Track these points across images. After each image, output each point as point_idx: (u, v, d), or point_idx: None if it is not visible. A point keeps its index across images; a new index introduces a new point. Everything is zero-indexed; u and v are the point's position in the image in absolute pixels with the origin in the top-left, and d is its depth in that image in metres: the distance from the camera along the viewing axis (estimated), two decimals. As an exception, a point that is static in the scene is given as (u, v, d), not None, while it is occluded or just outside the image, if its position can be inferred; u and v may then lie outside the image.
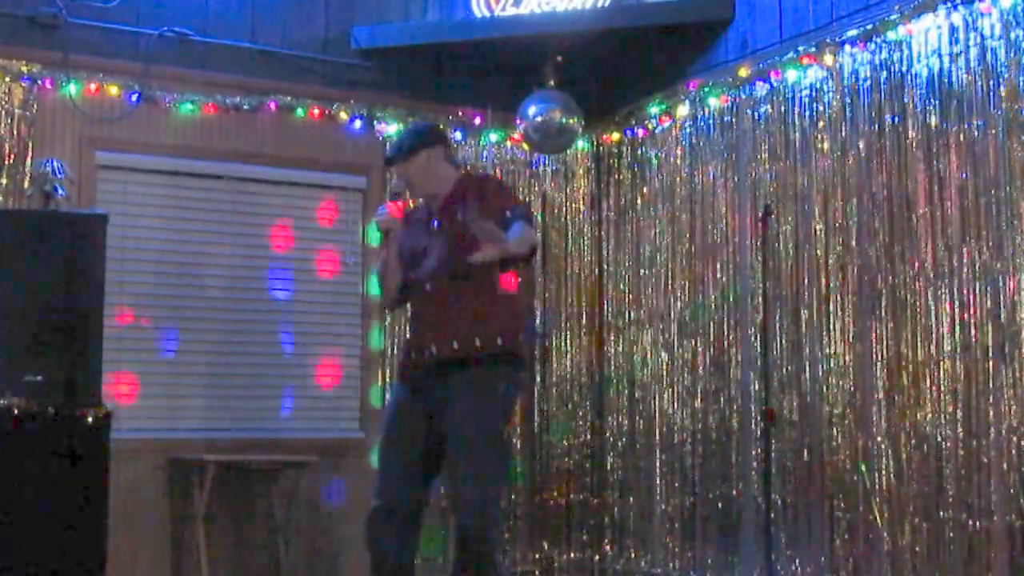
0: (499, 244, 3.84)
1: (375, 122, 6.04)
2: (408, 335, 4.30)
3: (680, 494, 5.80)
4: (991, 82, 4.45)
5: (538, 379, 6.36)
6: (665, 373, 5.95)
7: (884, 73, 4.87)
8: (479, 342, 4.05)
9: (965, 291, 4.50)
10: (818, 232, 5.13)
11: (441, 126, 4.85)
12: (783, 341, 5.25)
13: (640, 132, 6.22)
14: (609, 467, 6.26)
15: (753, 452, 5.36)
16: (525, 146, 6.17)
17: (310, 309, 5.98)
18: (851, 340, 4.96)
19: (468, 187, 4.21)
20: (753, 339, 5.42)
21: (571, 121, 5.91)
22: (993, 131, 4.43)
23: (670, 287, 5.96)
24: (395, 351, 5.90)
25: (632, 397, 6.17)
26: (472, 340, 4.04)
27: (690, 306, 5.82)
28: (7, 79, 5.30)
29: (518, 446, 6.25)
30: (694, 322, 5.79)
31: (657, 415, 5.98)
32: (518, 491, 6.22)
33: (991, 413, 4.38)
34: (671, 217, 5.98)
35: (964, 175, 4.53)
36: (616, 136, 6.38)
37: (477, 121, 6.25)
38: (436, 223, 4.17)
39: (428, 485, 4.22)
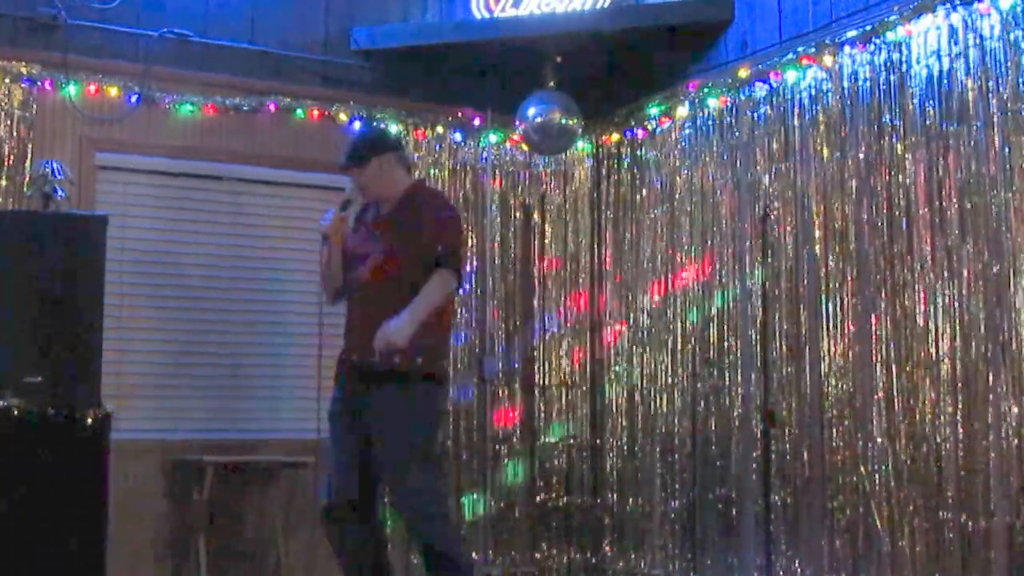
0: (399, 337, 3.98)
1: (375, 123, 6.04)
2: (344, 334, 4.38)
3: (680, 495, 5.80)
4: (991, 83, 4.45)
5: (537, 379, 6.37)
6: (665, 374, 5.95)
7: (884, 74, 4.87)
8: (397, 359, 4.10)
9: (965, 291, 4.50)
10: (818, 232, 5.13)
11: (394, 130, 4.93)
12: (783, 342, 5.25)
13: (640, 133, 6.22)
14: (608, 468, 6.26)
15: (753, 452, 5.36)
16: (525, 147, 6.17)
17: (310, 310, 5.97)
18: (851, 340, 4.96)
19: (414, 202, 4.27)
20: (753, 339, 5.42)
21: (571, 122, 5.92)
22: (993, 131, 4.43)
23: (670, 287, 5.96)
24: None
25: (631, 398, 6.17)
26: (391, 356, 4.09)
27: (695, 308, 5.82)
28: (7, 80, 5.30)
29: (518, 446, 6.26)
30: (696, 321, 5.79)
31: (656, 416, 5.98)
32: (518, 492, 6.22)
33: (991, 413, 4.38)
34: (671, 217, 5.98)
35: (964, 175, 4.53)
36: (616, 136, 6.39)
37: (477, 122, 6.25)
38: (379, 231, 4.27)
39: (376, 480, 4.25)
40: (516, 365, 6.30)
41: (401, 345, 3.99)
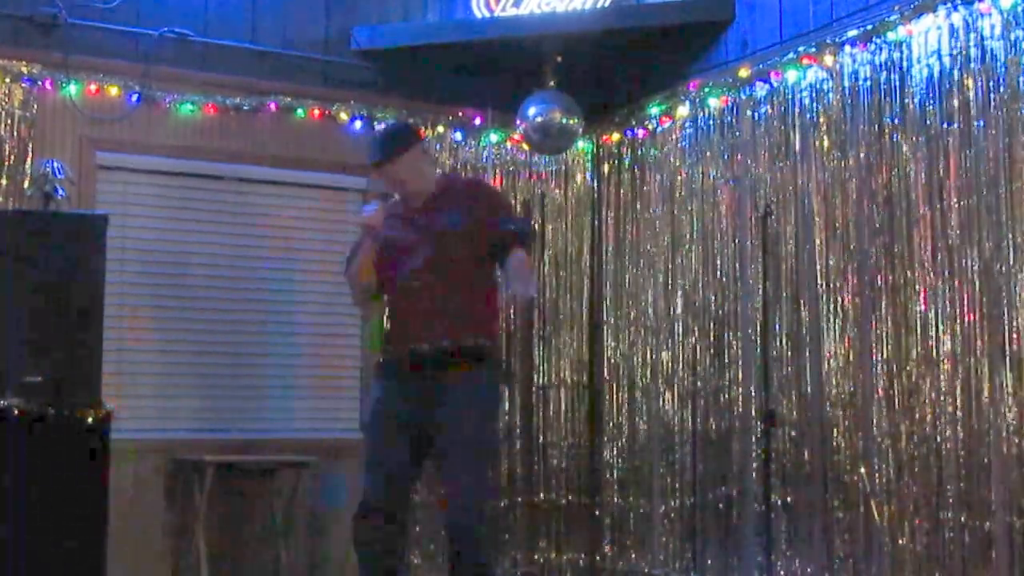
0: (527, 287, 3.94)
1: (375, 122, 6.04)
2: (390, 331, 4.23)
3: (680, 494, 5.80)
4: (991, 82, 4.45)
5: (537, 379, 6.37)
6: (665, 373, 5.95)
7: (884, 73, 4.87)
8: (471, 341, 4.08)
9: (965, 291, 4.50)
10: (818, 232, 5.13)
11: (415, 125, 4.90)
12: (783, 341, 5.25)
13: (640, 132, 6.22)
14: (609, 467, 6.26)
15: (753, 452, 5.36)
16: (525, 146, 6.17)
17: (310, 309, 5.99)
18: (851, 340, 4.96)
19: (458, 188, 4.26)
20: (753, 339, 5.42)
21: (571, 121, 5.92)
22: (993, 131, 4.43)
23: (670, 287, 5.96)
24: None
25: (631, 397, 6.17)
26: (463, 338, 4.07)
27: (695, 308, 5.82)
28: (7, 80, 5.30)
29: (517, 447, 6.26)
30: (696, 321, 5.79)
31: (657, 415, 5.98)
32: (518, 492, 6.22)
33: (991, 413, 4.38)
34: (671, 217, 5.98)
35: (964, 175, 4.53)
36: (616, 136, 6.38)
37: (477, 121, 6.25)
38: (422, 221, 4.18)
39: (414, 484, 4.25)
40: (516, 365, 6.30)
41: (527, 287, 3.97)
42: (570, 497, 6.34)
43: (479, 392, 4.11)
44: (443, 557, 5.75)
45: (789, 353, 5.23)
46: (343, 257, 4.43)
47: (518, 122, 5.97)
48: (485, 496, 4.14)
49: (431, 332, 4.08)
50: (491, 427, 4.18)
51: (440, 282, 4.11)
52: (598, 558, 6.25)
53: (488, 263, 4.18)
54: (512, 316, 6.31)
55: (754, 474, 5.34)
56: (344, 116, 6.00)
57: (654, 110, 6.08)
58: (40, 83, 5.38)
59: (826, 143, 5.13)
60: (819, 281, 5.11)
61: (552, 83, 6.00)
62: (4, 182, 5.24)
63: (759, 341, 5.26)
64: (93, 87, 5.49)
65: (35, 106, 5.36)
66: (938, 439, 4.56)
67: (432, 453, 4.17)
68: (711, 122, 5.76)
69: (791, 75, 5.29)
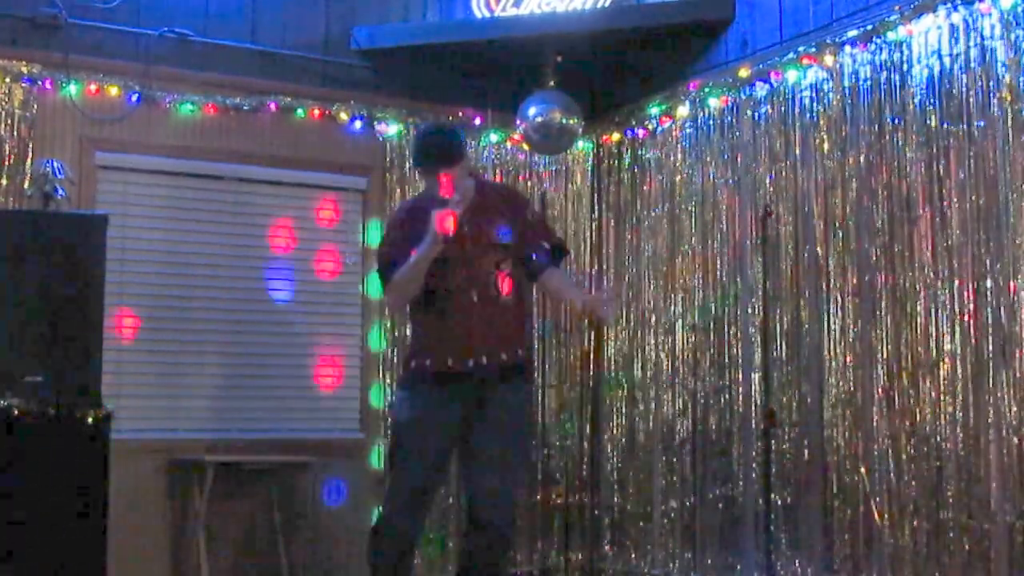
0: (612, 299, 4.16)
1: (375, 122, 6.04)
2: (433, 341, 4.09)
3: (680, 494, 5.79)
4: (991, 83, 4.45)
5: (538, 379, 6.36)
6: (665, 373, 5.95)
7: (884, 73, 4.87)
8: (521, 353, 4.13)
9: (965, 291, 4.50)
10: (818, 232, 5.13)
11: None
12: (783, 341, 5.25)
13: (640, 132, 6.21)
14: (609, 467, 6.26)
15: (753, 452, 5.36)
16: (525, 146, 6.17)
17: (310, 310, 5.99)
18: (851, 340, 4.96)
19: (497, 197, 4.25)
20: (753, 339, 5.42)
21: (571, 121, 5.92)
22: (993, 131, 4.43)
23: (670, 287, 5.96)
24: (395, 352, 5.90)
25: (632, 397, 6.17)
26: (515, 351, 4.11)
27: (696, 308, 5.81)
28: (7, 80, 5.30)
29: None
30: (696, 321, 5.79)
31: (657, 415, 5.98)
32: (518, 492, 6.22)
33: (991, 413, 4.38)
34: (671, 217, 5.98)
35: (964, 175, 4.53)
36: (616, 136, 6.38)
37: (477, 121, 6.25)
38: (469, 229, 4.05)
39: (439, 492, 4.28)
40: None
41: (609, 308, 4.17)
42: (570, 497, 6.34)
43: (524, 402, 4.19)
44: (445, 555, 5.77)
45: (789, 353, 5.22)
46: (383, 259, 4.19)
47: (518, 122, 5.97)
48: (515, 508, 4.22)
49: (489, 347, 4.04)
50: (528, 437, 4.26)
51: (491, 295, 4.06)
52: (598, 558, 6.25)
53: (523, 275, 4.19)
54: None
55: (754, 474, 5.34)
56: (344, 116, 6.00)
57: (654, 110, 6.07)
58: (40, 83, 5.37)
59: (826, 143, 5.13)
60: (819, 281, 5.11)
61: (552, 83, 6.00)
62: (4, 182, 5.23)
63: (759, 341, 5.26)
64: (93, 87, 5.49)
65: (35, 106, 5.36)
66: (938, 439, 4.56)
67: (468, 454, 4.12)
68: (711, 122, 5.76)
69: (791, 75, 5.29)
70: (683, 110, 5.90)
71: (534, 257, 4.16)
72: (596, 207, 6.49)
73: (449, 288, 4.05)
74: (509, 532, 4.15)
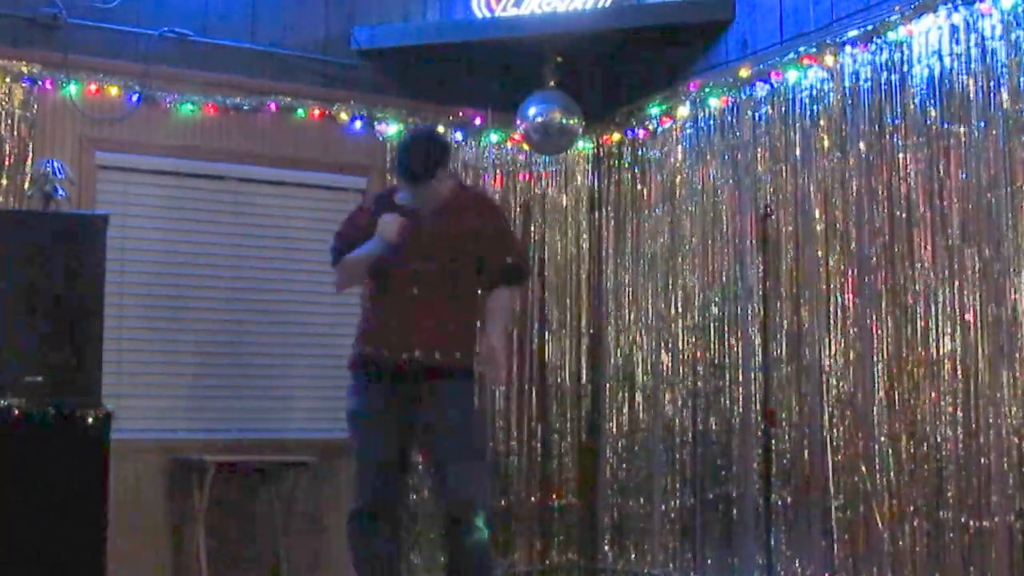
0: (499, 364, 4.17)
1: (375, 122, 6.04)
2: (375, 329, 4.25)
3: (680, 494, 5.79)
4: (991, 83, 4.45)
5: (537, 379, 6.36)
6: (665, 373, 5.95)
7: (884, 74, 4.87)
8: (459, 355, 4.18)
9: (965, 291, 4.50)
10: (818, 232, 5.13)
11: (402, 128, 4.93)
12: (783, 341, 5.25)
13: (640, 132, 6.21)
14: (609, 467, 6.26)
15: (753, 452, 5.36)
16: (525, 146, 6.17)
17: (310, 309, 5.98)
18: (851, 340, 4.96)
19: (469, 203, 4.33)
20: (753, 339, 5.42)
21: (571, 121, 5.92)
22: (993, 131, 4.43)
23: (670, 287, 5.96)
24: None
25: (632, 397, 6.17)
26: (453, 353, 4.17)
27: (696, 308, 5.82)
28: (7, 80, 5.30)
29: (517, 447, 6.25)
30: (698, 319, 5.79)
31: (657, 415, 5.97)
32: (518, 492, 6.22)
33: (991, 413, 4.38)
34: (671, 217, 5.98)
35: (964, 175, 4.53)
36: (616, 136, 6.38)
37: (477, 121, 6.25)
38: (431, 227, 4.22)
39: (405, 484, 4.29)
40: (516, 364, 6.30)
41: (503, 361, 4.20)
42: (570, 498, 6.34)
43: (463, 401, 4.21)
44: (446, 557, 5.77)
45: (789, 353, 5.22)
46: (329, 244, 4.47)
47: (518, 122, 5.97)
48: (483, 496, 4.19)
49: (421, 341, 4.14)
50: (480, 430, 4.25)
51: (438, 294, 4.17)
52: (598, 559, 6.25)
53: (482, 282, 4.29)
54: (511, 316, 6.31)
55: (754, 474, 5.34)
56: (344, 116, 6.00)
57: (654, 110, 6.07)
58: (40, 83, 5.37)
59: (826, 143, 5.13)
60: (819, 281, 5.11)
61: (552, 83, 6.00)
62: (4, 182, 5.23)
63: (759, 341, 5.26)
64: (93, 87, 5.49)
65: (35, 106, 5.36)
66: (938, 439, 4.56)
67: (424, 461, 4.22)
68: (711, 122, 5.76)
69: (791, 75, 5.29)
70: (683, 110, 5.90)
71: (488, 269, 4.26)
72: (596, 207, 6.49)
73: (397, 280, 4.20)
74: (475, 522, 4.11)
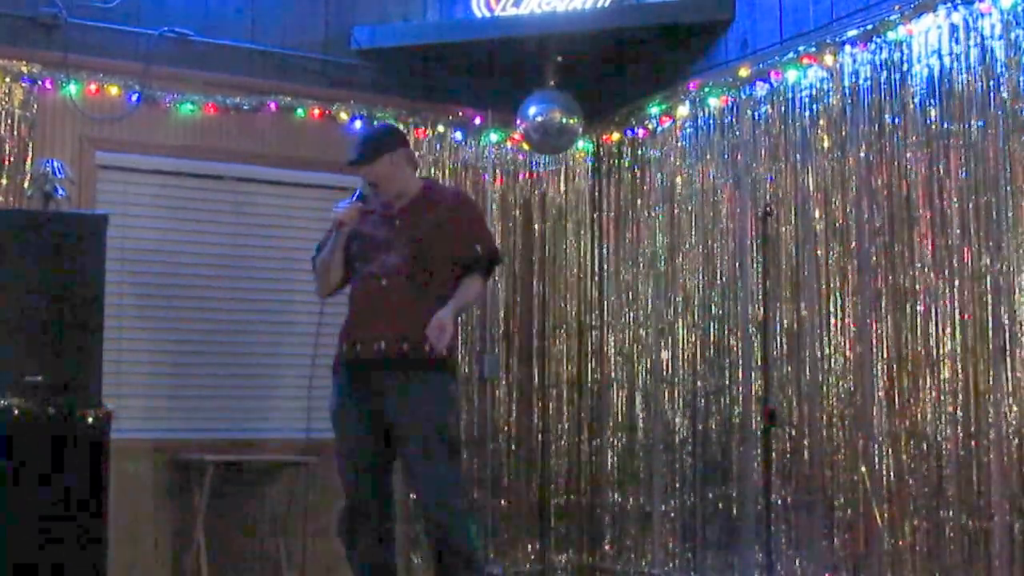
0: (444, 333, 4.09)
1: (375, 122, 6.03)
2: (349, 326, 4.33)
3: (680, 494, 5.80)
4: (991, 82, 4.45)
5: (537, 379, 6.37)
6: (665, 373, 5.95)
7: (884, 73, 4.87)
8: (427, 347, 4.15)
9: (965, 291, 4.50)
10: (818, 232, 5.13)
11: (401, 128, 4.98)
12: (783, 341, 5.25)
13: (640, 132, 6.21)
14: (609, 467, 6.26)
15: (753, 452, 5.36)
16: (525, 146, 6.17)
17: (310, 309, 5.96)
18: (851, 340, 4.96)
19: (439, 197, 4.39)
20: (753, 339, 5.42)
21: (571, 121, 5.92)
22: (993, 131, 4.43)
23: (670, 287, 5.96)
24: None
25: (631, 397, 6.17)
26: (421, 345, 4.15)
27: (696, 308, 5.82)
28: (7, 79, 5.30)
29: (517, 447, 6.26)
30: (695, 322, 5.79)
31: (656, 415, 5.98)
32: (518, 491, 6.22)
33: (991, 413, 4.38)
34: (671, 217, 5.98)
35: (964, 175, 4.53)
36: (616, 136, 6.38)
37: (477, 121, 6.25)
38: (400, 222, 4.27)
39: (388, 477, 4.29)
40: (516, 364, 6.30)
41: (447, 338, 4.10)
42: (570, 497, 6.34)
43: (432, 393, 4.20)
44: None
45: (789, 353, 5.22)
46: (314, 246, 4.53)
47: (518, 122, 5.97)
48: (453, 490, 4.20)
49: (392, 334, 4.17)
50: (448, 427, 4.22)
51: (406, 286, 4.21)
52: (598, 558, 6.25)
53: (454, 274, 4.28)
54: (512, 316, 6.32)
55: (754, 474, 5.34)
56: (344, 116, 6.00)
57: (654, 110, 6.07)
58: (40, 83, 5.37)
59: (826, 143, 5.13)
60: (819, 281, 5.11)
61: (552, 83, 6.00)
62: (4, 182, 5.23)
63: (759, 341, 5.26)
64: (93, 87, 5.49)
65: (35, 106, 5.36)
66: (938, 439, 4.56)
67: (397, 452, 4.22)
68: (711, 122, 5.76)
69: (791, 75, 5.29)
70: (683, 110, 5.90)
71: (458, 259, 4.27)
72: (596, 207, 6.50)
73: (368, 277, 4.27)
74: (444, 525, 4.12)
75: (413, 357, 4.16)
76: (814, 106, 5.19)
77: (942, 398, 4.56)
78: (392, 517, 4.34)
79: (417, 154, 6.03)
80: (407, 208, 4.32)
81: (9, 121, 5.29)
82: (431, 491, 4.16)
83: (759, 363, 5.28)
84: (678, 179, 5.96)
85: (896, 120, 4.81)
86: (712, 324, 5.69)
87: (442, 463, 4.16)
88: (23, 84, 5.34)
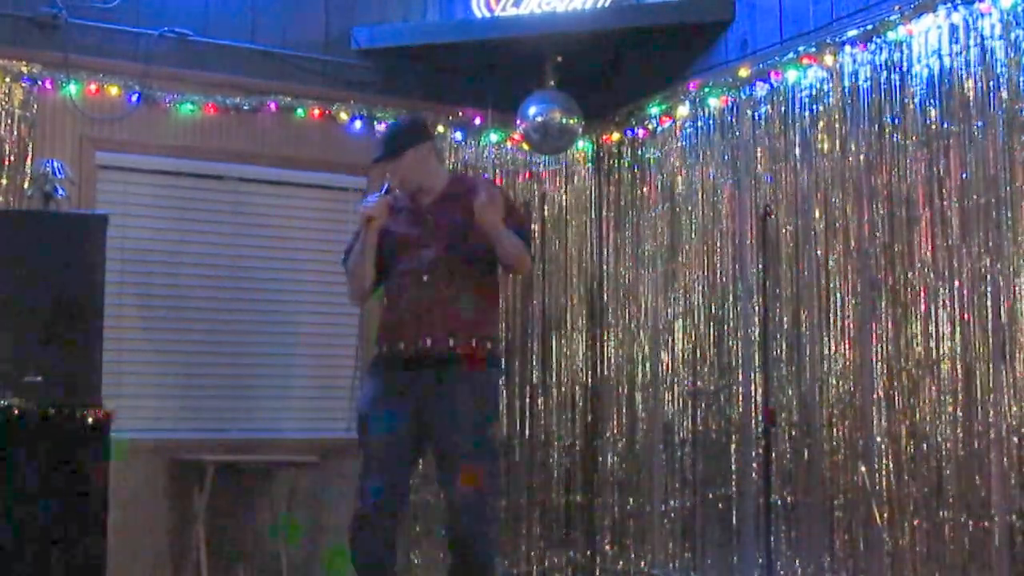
0: (497, 223, 3.96)
1: (375, 122, 6.04)
2: (389, 325, 4.19)
3: (680, 494, 5.79)
4: (991, 82, 4.45)
5: (537, 379, 6.36)
6: (665, 373, 5.95)
7: (884, 73, 4.87)
8: (475, 343, 4.08)
9: (965, 291, 4.50)
10: (818, 232, 5.13)
11: (426, 121, 4.91)
12: (783, 341, 5.25)
13: (640, 132, 6.22)
14: (609, 467, 6.26)
15: (753, 452, 5.36)
16: (525, 146, 6.17)
17: (309, 309, 5.99)
18: (851, 340, 4.96)
19: (466, 187, 4.25)
20: (753, 339, 5.42)
21: (571, 121, 5.92)
22: (993, 131, 4.43)
23: (670, 287, 5.96)
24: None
25: (631, 397, 6.17)
26: (468, 339, 4.08)
27: (696, 308, 5.81)
28: (7, 79, 5.30)
29: (517, 447, 6.26)
30: (695, 322, 5.79)
31: (657, 415, 5.98)
32: (518, 492, 6.22)
33: (991, 413, 4.38)
34: (671, 217, 5.98)
35: (964, 175, 4.53)
36: (616, 136, 6.38)
37: (477, 121, 6.25)
38: (431, 217, 4.20)
39: (408, 480, 4.23)
40: (516, 364, 6.30)
41: (493, 221, 3.97)
42: (570, 497, 6.34)
43: (478, 392, 4.10)
44: (445, 555, 5.76)
45: (789, 353, 5.22)
46: (343, 249, 4.42)
47: (518, 122, 5.97)
48: (489, 497, 4.10)
49: (433, 330, 4.07)
50: (492, 427, 4.15)
51: (445, 281, 4.11)
52: (598, 558, 6.25)
53: (492, 266, 4.21)
54: (512, 316, 6.32)
55: (754, 474, 5.34)
56: (344, 116, 6.00)
57: (654, 110, 6.07)
58: (40, 83, 5.37)
59: (826, 143, 5.13)
60: (819, 281, 5.11)
61: (552, 83, 6.00)
62: (4, 182, 5.23)
63: (759, 341, 5.26)
64: (93, 87, 5.49)
65: (35, 106, 5.36)
66: (938, 439, 4.56)
67: (432, 453, 4.16)
68: (711, 122, 5.76)
69: (791, 75, 5.29)
70: (683, 110, 5.90)
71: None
72: (596, 207, 6.49)
73: (406, 274, 4.15)
74: (474, 535, 4.02)
75: (461, 353, 4.05)
76: (814, 106, 5.19)
77: (942, 398, 4.56)
78: (402, 520, 4.28)
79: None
80: (436, 203, 4.22)
81: (9, 121, 5.29)
82: (464, 497, 4.01)
83: (759, 364, 5.28)
84: (678, 179, 5.97)
85: (896, 120, 4.81)
86: (712, 324, 5.69)
87: (481, 468, 4.03)
88: (23, 84, 5.34)
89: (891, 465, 4.73)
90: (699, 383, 5.73)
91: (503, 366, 4.26)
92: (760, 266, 5.21)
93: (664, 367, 5.96)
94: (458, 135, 6.23)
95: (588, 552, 6.30)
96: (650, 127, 6.14)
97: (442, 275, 4.11)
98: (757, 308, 5.32)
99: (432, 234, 4.17)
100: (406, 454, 4.15)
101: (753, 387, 5.41)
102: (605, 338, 6.37)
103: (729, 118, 5.65)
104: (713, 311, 5.69)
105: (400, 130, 4.37)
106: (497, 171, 6.33)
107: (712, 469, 5.62)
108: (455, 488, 4.04)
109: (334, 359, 5.97)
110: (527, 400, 6.31)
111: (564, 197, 6.52)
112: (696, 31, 5.85)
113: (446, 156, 6.19)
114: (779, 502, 5.14)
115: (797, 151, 5.27)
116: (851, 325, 4.97)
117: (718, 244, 5.69)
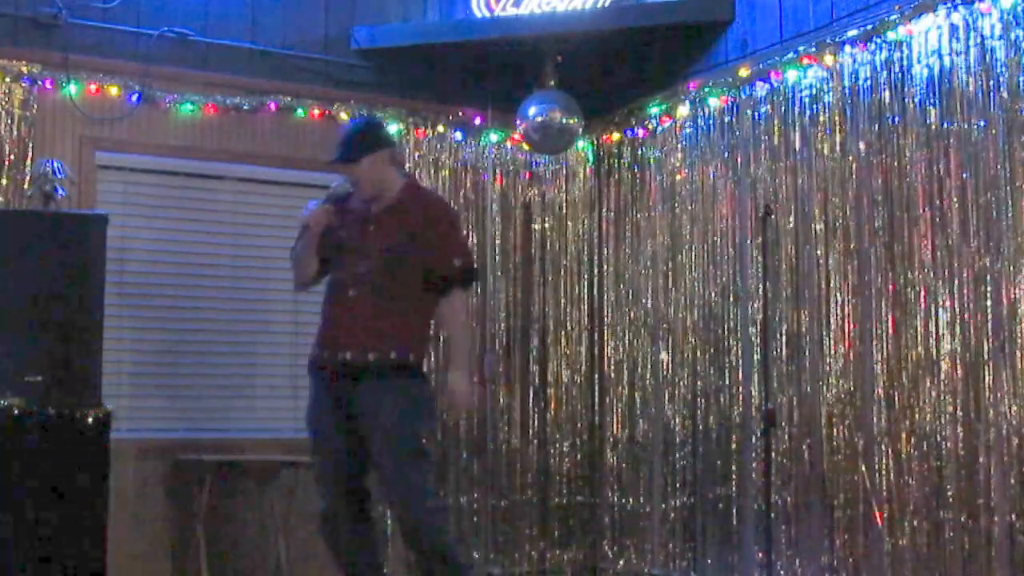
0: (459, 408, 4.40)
1: (368, 116, 6.03)
2: (321, 332, 4.32)
3: (680, 494, 5.80)
4: (991, 82, 4.45)
5: (537, 379, 6.36)
6: (665, 373, 5.95)
7: (884, 73, 4.87)
8: (394, 355, 4.16)
9: (965, 291, 4.50)
10: (818, 232, 5.13)
11: (388, 127, 4.94)
12: (783, 341, 5.25)
13: (640, 132, 6.22)
14: (609, 467, 6.26)
15: (753, 452, 5.36)
16: (525, 146, 6.17)
17: (309, 309, 5.96)
18: (851, 340, 4.96)
19: (417, 204, 4.31)
20: (753, 339, 5.42)
21: (571, 121, 5.92)
22: (993, 131, 4.43)
23: (670, 287, 5.96)
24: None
25: (632, 397, 6.17)
26: (388, 353, 4.15)
27: (696, 308, 5.82)
28: (7, 79, 5.30)
29: (517, 447, 6.26)
30: (695, 322, 5.79)
31: (657, 415, 5.98)
32: (518, 491, 6.22)
33: (991, 413, 4.38)
34: (671, 217, 5.98)
35: (964, 175, 4.53)
36: (616, 136, 6.38)
37: (477, 121, 6.25)
38: (375, 228, 4.25)
39: (364, 478, 4.27)
40: (516, 364, 6.30)
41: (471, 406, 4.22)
42: (570, 497, 6.34)
43: (400, 398, 4.17)
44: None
45: (789, 353, 5.22)
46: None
47: (518, 122, 5.97)
48: (422, 491, 4.17)
49: (358, 344, 4.16)
50: (415, 429, 4.19)
51: (375, 296, 4.19)
52: (598, 558, 6.25)
53: (425, 287, 4.25)
54: (512, 316, 6.32)
55: (754, 474, 5.34)
56: (344, 116, 5.99)
57: (654, 110, 6.08)
58: (40, 82, 5.37)
59: (826, 143, 5.13)
60: (819, 281, 5.11)
61: (552, 83, 6.00)
62: (4, 182, 5.23)
63: (759, 341, 5.26)
64: (93, 87, 5.49)
65: (35, 106, 5.36)
66: (938, 439, 4.56)
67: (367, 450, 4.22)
68: (711, 122, 5.76)
69: (791, 75, 5.29)
70: (683, 110, 5.90)
71: (436, 272, 4.24)
72: (596, 207, 6.50)
73: (339, 282, 4.27)
74: (417, 533, 4.12)
75: (380, 366, 4.13)
76: (814, 106, 5.20)
77: (942, 398, 4.56)
78: (371, 517, 4.32)
79: (417, 154, 6.08)
80: (383, 213, 4.27)
81: (9, 121, 5.29)
82: (400, 496, 4.13)
83: (759, 363, 5.28)
84: (678, 179, 5.97)
85: (896, 120, 4.82)
86: (712, 324, 5.69)
87: (410, 469, 4.12)
88: (23, 84, 5.34)
89: (891, 465, 4.73)
90: (699, 383, 5.74)
91: (430, 381, 4.39)
92: (760, 266, 5.21)
93: (664, 367, 5.96)
94: (458, 135, 6.23)
95: (588, 552, 6.30)
96: (650, 127, 6.14)
97: (367, 292, 4.18)
98: (757, 308, 5.33)
99: (371, 247, 4.21)
100: (350, 454, 4.22)
101: (753, 387, 5.41)
102: (605, 338, 6.37)
103: (729, 118, 5.65)
104: (713, 311, 5.69)
105: (358, 135, 4.39)
106: (497, 171, 6.33)
107: (712, 469, 5.62)
108: (389, 488, 4.15)
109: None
110: (527, 400, 6.31)
111: (564, 197, 6.52)
112: (696, 31, 5.85)
113: (446, 156, 6.19)
114: (779, 502, 5.14)
115: (797, 151, 5.27)
116: (851, 325, 4.97)
117: (718, 244, 5.69)
